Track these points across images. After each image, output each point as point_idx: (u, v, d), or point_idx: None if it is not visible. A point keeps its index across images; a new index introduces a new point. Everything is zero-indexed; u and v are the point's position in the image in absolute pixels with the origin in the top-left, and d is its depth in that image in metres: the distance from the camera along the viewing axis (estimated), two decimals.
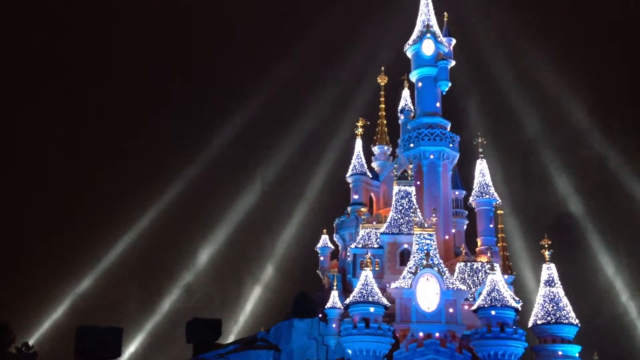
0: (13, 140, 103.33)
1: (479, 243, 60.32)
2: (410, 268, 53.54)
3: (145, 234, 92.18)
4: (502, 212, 61.72)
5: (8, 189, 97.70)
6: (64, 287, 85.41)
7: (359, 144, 68.44)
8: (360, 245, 58.53)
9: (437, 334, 51.13)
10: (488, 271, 52.99)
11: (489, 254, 56.79)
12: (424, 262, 53.14)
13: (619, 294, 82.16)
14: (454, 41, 66.73)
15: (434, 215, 56.89)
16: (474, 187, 62.05)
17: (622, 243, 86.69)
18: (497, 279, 52.04)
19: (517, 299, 55.22)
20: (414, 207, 58.38)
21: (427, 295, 52.44)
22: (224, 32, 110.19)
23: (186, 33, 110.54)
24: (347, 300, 52.20)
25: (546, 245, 56.14)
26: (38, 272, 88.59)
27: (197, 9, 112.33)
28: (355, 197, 66.30)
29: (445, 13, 67.78)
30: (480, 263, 57.12)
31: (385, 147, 70.99)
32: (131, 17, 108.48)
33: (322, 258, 66.98)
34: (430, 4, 67.30)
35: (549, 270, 55.49)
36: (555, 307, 53.58)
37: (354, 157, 67.81)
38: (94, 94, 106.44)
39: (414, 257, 54.04)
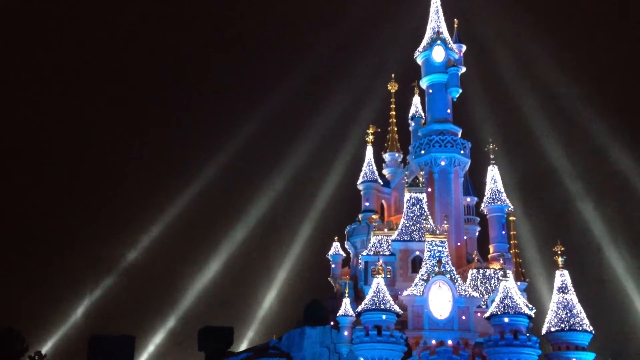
0: (25, 151, 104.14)
1: (491, 250, 60.06)
2: (422, 275, 53.35)
3: (157, 242, 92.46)
4: (514, 218, 61.39)
5: (22, 202, 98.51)
6: (77, 296, 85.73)
7: (369, 151, 68.35)
8: (371, 253, 58.44)
9: (449, 342, 50.92)
10: (501, 278, 52.78)
11: (501, 261, 56.50)
12: (436, 269, 52.96)
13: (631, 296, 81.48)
14: (464, 47, 66.63)
15: (445, 222, 56.77)
16: (485, 193, 61.81)
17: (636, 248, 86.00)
18: (510, 285, 51.76)
19: (530, 305, 54.84)
20: (425, 214, 58.20)
21: (440, 302, 52.26)
22: (231, 42, 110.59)
23: (187, 42, 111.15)
24: (359, 308, 52.06)
25: (559, 252, 55.79)
26: (51, 282, 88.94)
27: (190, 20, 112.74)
28: (367, 204, 66.14)
29: (455, 19, 67.94)
30: (492, 270, 56.95)
31: (396, 154, 70.76)
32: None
33: (333, 265, 66.76)
34: (440, 11, 67.31)
35: (562, 276, 55.12)
36: (569, 314, 53.16)
37: (365, 164, 67.70)
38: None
39: (425, 264, 53.84)
